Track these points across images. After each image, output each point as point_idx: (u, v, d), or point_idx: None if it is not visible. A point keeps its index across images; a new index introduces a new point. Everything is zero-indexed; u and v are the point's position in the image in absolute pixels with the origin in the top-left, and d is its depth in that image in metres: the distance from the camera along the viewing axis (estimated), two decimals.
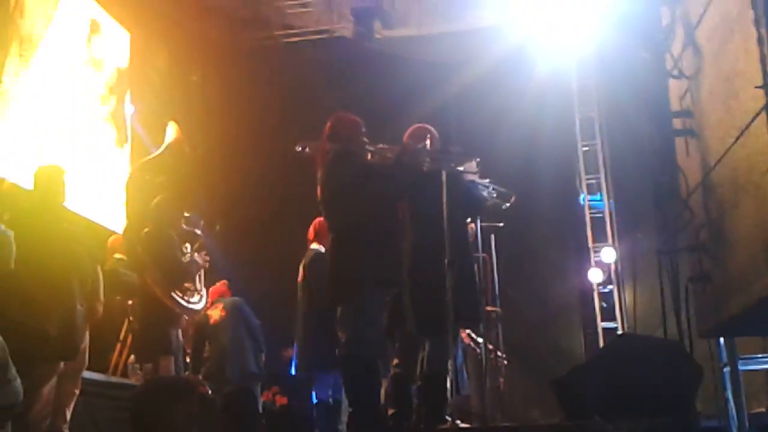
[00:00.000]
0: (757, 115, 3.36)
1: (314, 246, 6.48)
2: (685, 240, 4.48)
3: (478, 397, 6.89)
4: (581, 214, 9.98)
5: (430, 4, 10.01)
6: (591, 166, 9.99)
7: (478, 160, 5.57)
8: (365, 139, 5.07)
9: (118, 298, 6.99)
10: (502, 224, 6.75)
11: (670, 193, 4.62)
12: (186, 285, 6.54)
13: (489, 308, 7.16)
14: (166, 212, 6.42)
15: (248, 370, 7.33)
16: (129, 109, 9.10)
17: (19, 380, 3.80)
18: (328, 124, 5.07)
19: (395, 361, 5.27)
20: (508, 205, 5.66)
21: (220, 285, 7.69)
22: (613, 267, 9.59)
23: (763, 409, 4.95)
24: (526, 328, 9.03)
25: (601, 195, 9.85)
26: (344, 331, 4.72)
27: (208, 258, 6.88)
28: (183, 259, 6.54)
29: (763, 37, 3.33)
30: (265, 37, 10.43)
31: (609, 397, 4.20)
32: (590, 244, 9.80)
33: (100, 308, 5.59)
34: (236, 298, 7.69)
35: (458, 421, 4.92)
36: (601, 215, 9.85)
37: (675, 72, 4.59)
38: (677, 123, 4.64)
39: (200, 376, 7.20)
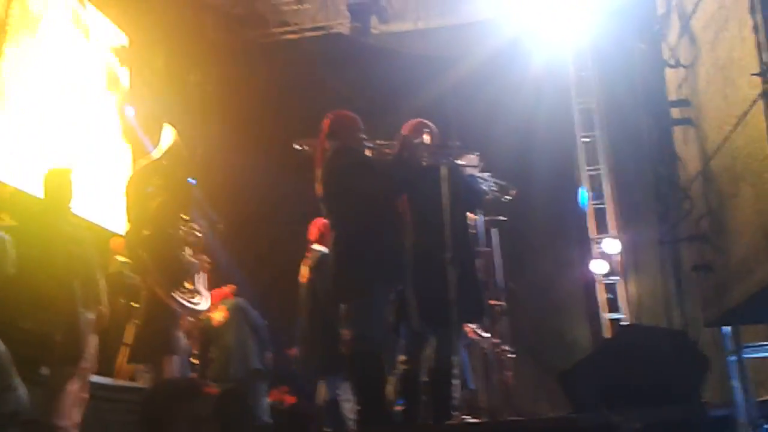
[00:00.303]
0: (755, 102, 3.35)
1: (317, 247, 6.46)
2: (686, 230, 4.48)
3: (485, 391, 6.89)
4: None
5: None
6: (590, 158, 9.98)
7: (478, 154, 5.58)
8: (363, 136, 5.07)
9: (123, 301, 7.00)
10: (504, 218, 6.75)
11: (669, 183, 4.61)
12: (187, 285, 6.54)
13: (493, 302, 7.16)
14: (165, 215, 6.42)
15: (252, 367, 7.36)
16: (128, 109, 9.10)
17: (23, 389, 3.80)
18: (326, 121, 5.07)
19: (401, 357, 5.28)
20: (508, 198, 5.66)
21: (225, 288, 7.71)
22: (616, 258, 9.56)
23: None
24: (531, 322, 9.02)
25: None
26: (349, 328, 4.72)
27: (207, 260, 6.88)
28: (183, 260, 6.55)
29: (758, 25, 3.33)
30: (262, 34, 10.42)
31: (615, 389, 4.20)
32: (592, 235, 9.78)
33: (106, 312, 5.60)
34: (239, 299, 7.71)
35: (466, 416, 4.92)
36: (602, 206, 9.83)
37: (671, 61, 4.58)
38: (675, 113, 4.63)
39: (206, 378, 7.22)
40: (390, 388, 5.09)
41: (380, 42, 10.02)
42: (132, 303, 7.09)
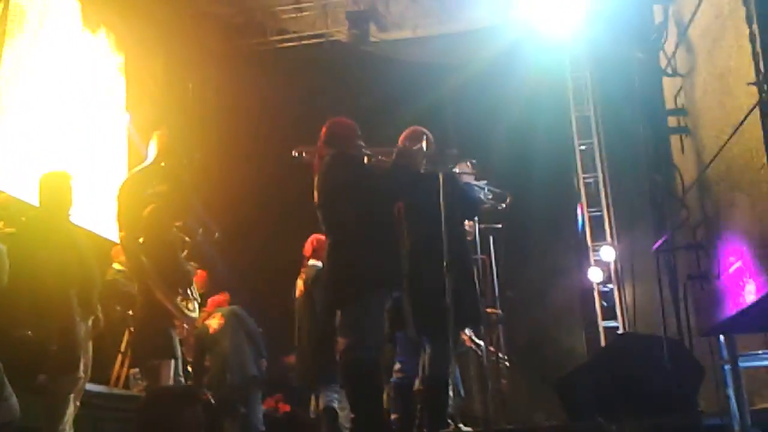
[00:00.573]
0: (751, 111, 3.36)
1: (313, 262, 6.46)
2: (682, 238, 4.48)
3: (480, 399, 6.88)
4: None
5: (424, 6, 10.01)
6: (587, 165, 10.00)
7: (474, 161, 5.57)
8: (361, 143, 5.07)
9: (119, 309, 6.98)
10: (500, 226, 6.74)
11: (666, 192, 4.62)
12: (189, 292, 6.52)
13: (489, 310, 7.15)
14: (159, 222, 6.38)
15: (248, 373, 7.34)
16: (124, 116, 9.11)
17: (14, 398, 3.77)
18: (324, 129, 5.06)
19: (397, 366, 5.27)
20: (504, 205, 5.66)
21: (220, 296, 7.70)
22: (612, 266, 9.58)
23: (767, 406, 4.94)
24: (527, 329, 9.02)
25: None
26: (345, 335, 4.69)
27: (195, 266, 6.85)
28: (184, 266, 6.53)
29: (754, 34, 3.33)
30: (261, 42, 10.44)
31: (611, 397, 4.20)
32: (589, 243, 9.79)
33: (101, 320, 5.57)
34: (234, 306, 7.70)
35: (460, 425, 4.91)
36: (599, 214, 9.84)
37: (669, 70, 4.60)
38: (672, 121, 4.64)
39: (202, 385, 7.21)
40: (385, 397, 5.08)
41: (378, 50, 10.05)
42: (127, 311, 7.08)
